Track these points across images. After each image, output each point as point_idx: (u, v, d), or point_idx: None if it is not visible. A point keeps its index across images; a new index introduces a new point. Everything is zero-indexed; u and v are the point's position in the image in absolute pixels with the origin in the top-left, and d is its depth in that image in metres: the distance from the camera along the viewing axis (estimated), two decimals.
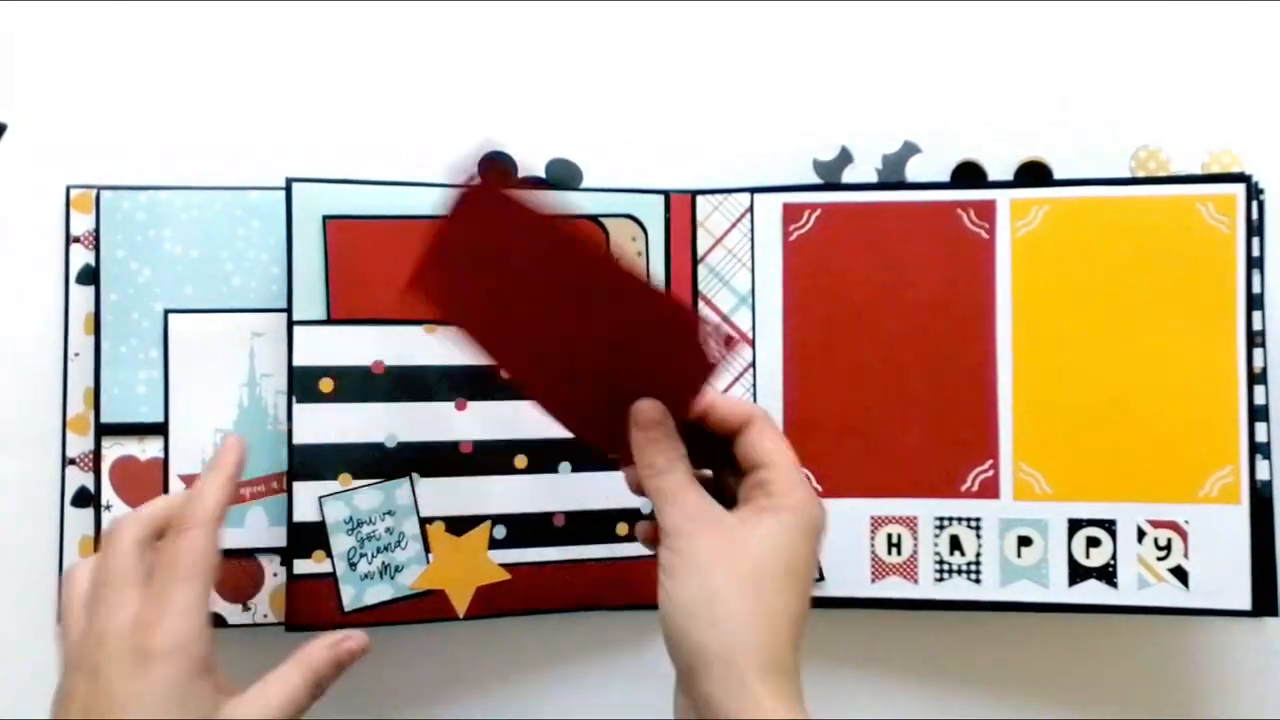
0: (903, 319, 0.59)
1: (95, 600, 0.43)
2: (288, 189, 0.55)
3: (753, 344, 0.59)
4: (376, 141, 0.61)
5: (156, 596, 0.42)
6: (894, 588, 0.58)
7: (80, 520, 0.58)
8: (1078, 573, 0.57)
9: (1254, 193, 0.57)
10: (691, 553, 0.42)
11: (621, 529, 0.58)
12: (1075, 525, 0.57)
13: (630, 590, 0.57)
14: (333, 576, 0.54)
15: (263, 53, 0.61)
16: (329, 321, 0.55)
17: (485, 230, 0.44)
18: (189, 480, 0.57)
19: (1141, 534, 0.57)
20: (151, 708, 0.40)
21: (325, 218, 0.55)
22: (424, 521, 0.56)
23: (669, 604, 0.42)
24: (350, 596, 0.54)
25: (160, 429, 0.57)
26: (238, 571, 0.57)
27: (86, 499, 0.58)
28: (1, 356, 0.59)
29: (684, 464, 0.45)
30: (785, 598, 0.42)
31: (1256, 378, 0.57)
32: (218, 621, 0.57)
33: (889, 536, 0.58)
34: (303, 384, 0.55)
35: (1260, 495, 0.56)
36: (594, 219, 0.58)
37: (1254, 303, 0.57)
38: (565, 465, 0.57)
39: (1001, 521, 0.58)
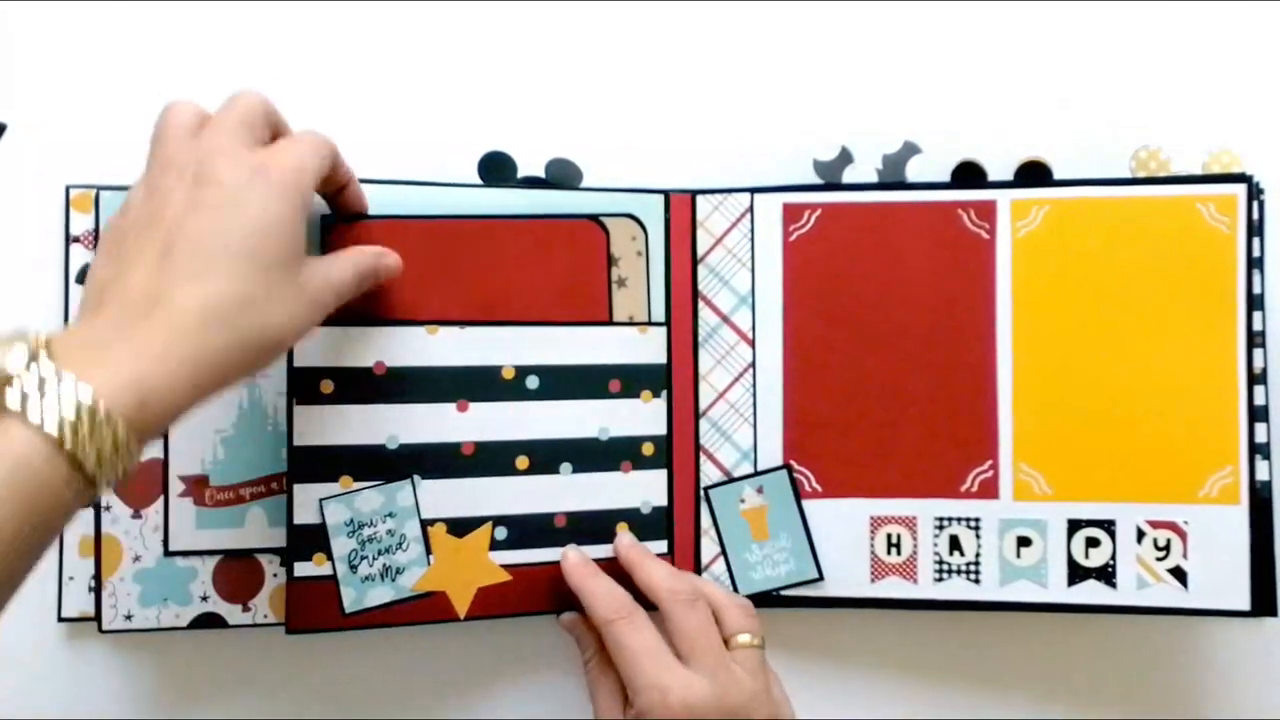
0: (903, 319, 0.59)
1: (206, 130, 0.46)
2: None
3: (753, 344, 0.59)
4: (376, 141, 0.60)
5: (276, 150, 0.46)
6: (893, 588, 0.58)
7: (80, 520, 0.57)
8: (1077, 573, 0.57)
9: (1254, 193, 0.57)
10: None
11: (621, 529, 0.58)
12: (1074, 525, 0.57)
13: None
14: (333, 579, 0.54)
15: (262, 53, 0.61)
16: (329, 322, 0.55)
17: None
18: (189, 481, 0.57)
19: (1141, 534, 0.57)
20: (265, 205, 0.44)
21: (323, 218, 0.54)
22: (425, 523, 0.55)
23: None
24: (351, 599, 0.54)
25: None
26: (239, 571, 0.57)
27: None
28: None
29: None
30: None
31: (1256, 378, 0.57)
32: (217, 622, 0.57)
33: (888, 536, 0.59)
34: (302, 385, 0.54)
35: (1260, 496, 0.56)
36: (594, 219, 0.58)
37: (1254, 303, 0.57)
38: (566, 466, 0.57)
39: (1001, 522, 0.58)
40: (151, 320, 0.40)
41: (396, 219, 0.55)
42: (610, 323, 0.58)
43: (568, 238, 0.57)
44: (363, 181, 0.56)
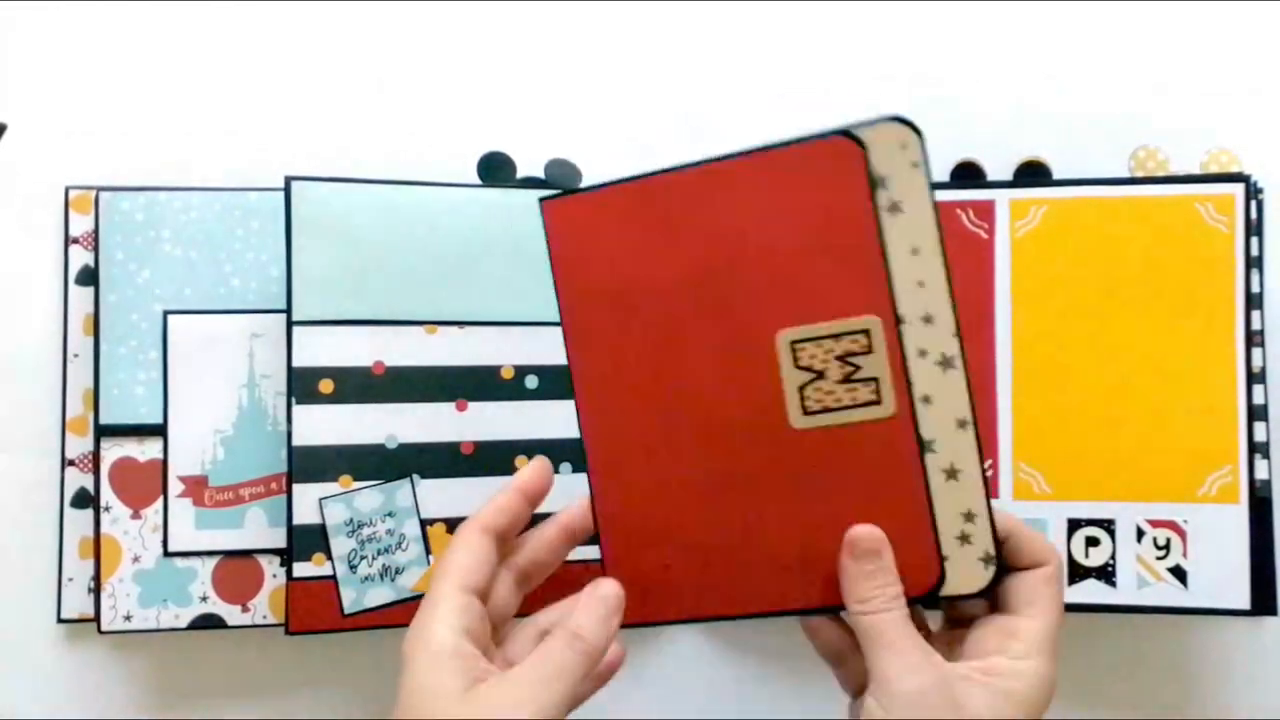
0: None
1: None
2: (287, 188, 0.55)
3: None
4: (376, 141, 0.61)
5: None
6: None
7: (80, 521, 0.58)
8: (1077, 572, 0.57)
9: (1253, 192, 0.57)
10: (911, 713, 0.40)
11: None
12: (1074, 525, 0.57)
13: None
14: (333, 579, 0.54)
15: (262, 53, 0.61)
16: (329, 322, 0.55)
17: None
18: (188, 481, 0.57)
19: (1140, 533, 0.57)
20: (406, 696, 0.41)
21: (541, 199, 0.46)
22: (424, 523, 0.55)
23: None
24: (350, 599, 0.54)
25: (159, 430, 0.57)
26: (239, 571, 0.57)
27: (86, 500, 0.57)
28: (1, 357, 0.59)
29: (904, 605, 0.42)
30: None
31: (1255, 377, 0.57)
32: (217, 623, 0.57)
33: None
34: (302, 385, 0.54)
35: (1259, 495, 0.56)
36: (845, 134, 0.51)
37: (1253, 302, 0.57)
38: (566, 466, 0.57)
39: None
40: None
41: (608, 186, 0.47)
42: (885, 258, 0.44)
43: (811, 165, 0.45)
44: (363, 181, 0.56)
